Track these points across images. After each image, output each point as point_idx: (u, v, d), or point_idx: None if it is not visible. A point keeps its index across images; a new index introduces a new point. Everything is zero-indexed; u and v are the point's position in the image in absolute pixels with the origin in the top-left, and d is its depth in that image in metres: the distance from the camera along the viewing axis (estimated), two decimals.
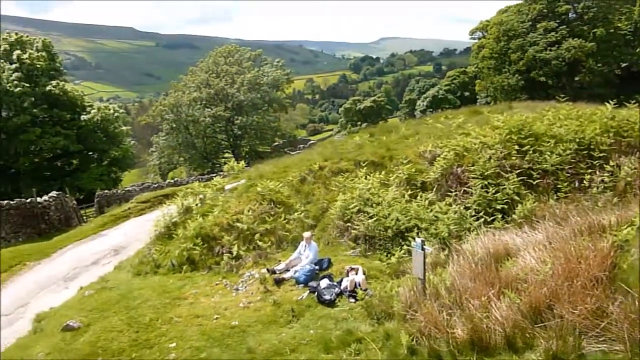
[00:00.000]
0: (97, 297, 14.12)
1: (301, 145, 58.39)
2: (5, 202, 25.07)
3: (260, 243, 14.79)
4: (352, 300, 11.22)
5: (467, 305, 8.22)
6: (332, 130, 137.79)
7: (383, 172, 16.03)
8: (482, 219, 13.25)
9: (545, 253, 8.84)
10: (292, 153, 38.18)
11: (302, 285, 12.44)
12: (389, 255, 13.07)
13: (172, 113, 59.15)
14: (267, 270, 13.44)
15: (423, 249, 9.39)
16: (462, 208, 13.77)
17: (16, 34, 51.15)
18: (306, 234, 13.81)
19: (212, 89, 59.24)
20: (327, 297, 11.44)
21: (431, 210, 13.91)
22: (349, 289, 11.55)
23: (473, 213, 13.61)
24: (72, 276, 18.40)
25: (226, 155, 62.95)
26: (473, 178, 14.69)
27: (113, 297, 13.77)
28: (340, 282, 11.93)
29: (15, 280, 19.29)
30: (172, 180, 44.49)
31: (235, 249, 14.71)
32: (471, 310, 8.01)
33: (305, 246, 13.56)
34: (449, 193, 14.64)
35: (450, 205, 14.06)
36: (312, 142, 63.58)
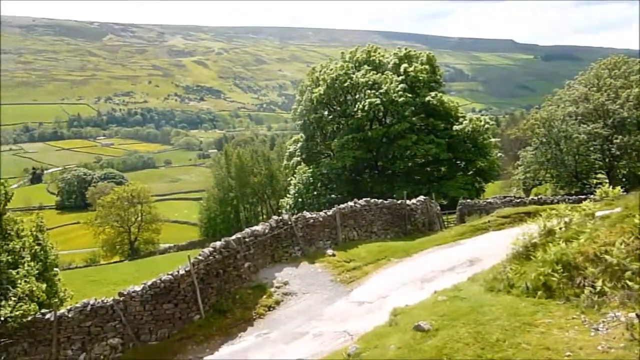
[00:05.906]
0: (448, 304, 14.52)
1: None
2: (380, 201, 27.78)
3: (630, 283, 13.00)
4: None
5: None
6: None
7: None
8: None
9: None
10: None
11: None
12: None
13: (543, 127, 57.17)
14: (637, 315, 11.71)
15: None
16: None
17: (405, 49, 56.79)
18: None
19: (591, 104, 54.95)
20: None
21: None
22: None
23: None
24: (428, 278, 19.39)
25: (599, 176, 57.69)
26: None
27: (463, 308, 13.95)
28: None
29: (380, 272, 21.35)
30: (536, 197, 42.85)
31: (599, 284, 13.23)
32: None
33: None
34: None
35: None
36: None
